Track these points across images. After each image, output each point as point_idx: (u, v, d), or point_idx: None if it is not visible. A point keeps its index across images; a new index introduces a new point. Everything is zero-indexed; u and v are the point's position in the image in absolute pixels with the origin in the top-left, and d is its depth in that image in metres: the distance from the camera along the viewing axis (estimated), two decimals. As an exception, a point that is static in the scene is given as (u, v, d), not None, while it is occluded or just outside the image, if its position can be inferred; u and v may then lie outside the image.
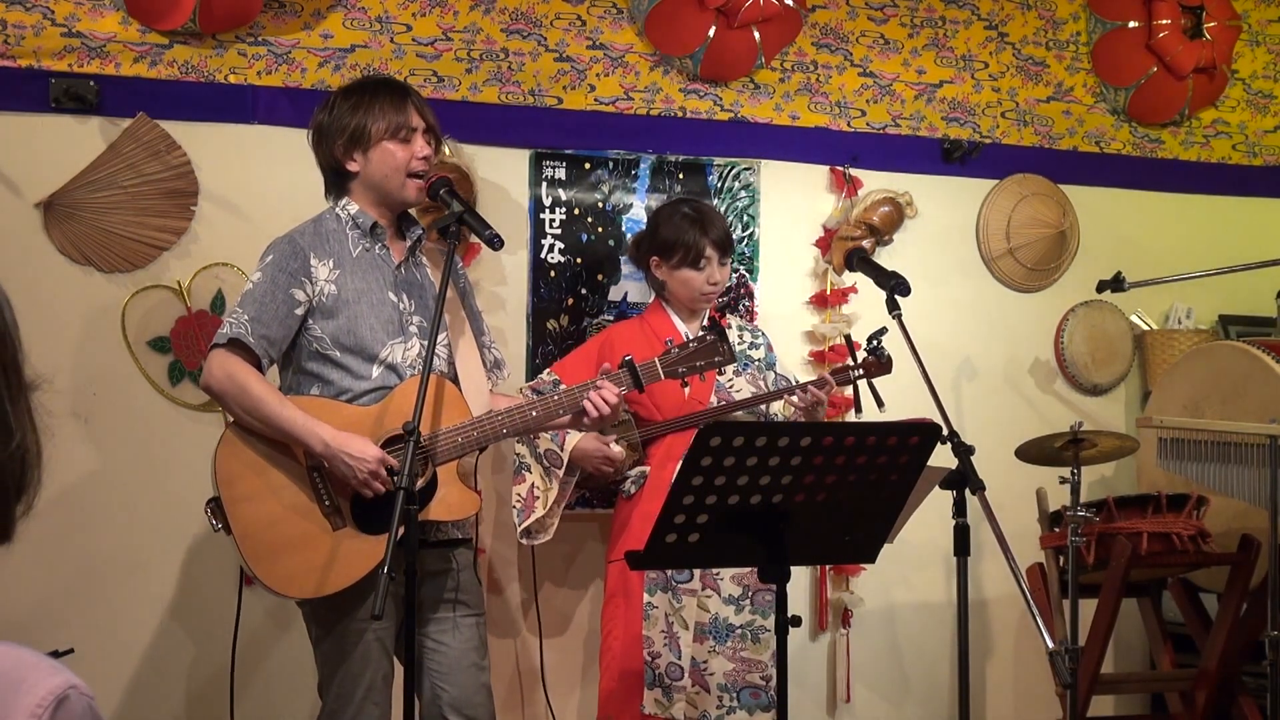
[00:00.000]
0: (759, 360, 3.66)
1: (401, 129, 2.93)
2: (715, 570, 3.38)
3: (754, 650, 3.40)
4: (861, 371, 3.55)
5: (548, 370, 3.61)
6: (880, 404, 3.55)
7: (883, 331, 3.52)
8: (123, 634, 3.55)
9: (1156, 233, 4.70)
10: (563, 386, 3.34)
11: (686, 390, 3.45)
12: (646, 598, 3.38)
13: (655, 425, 3.51)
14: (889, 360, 3.55)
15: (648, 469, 3.48)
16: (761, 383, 3.62)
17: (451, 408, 2.88)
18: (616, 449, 3.43)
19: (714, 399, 3.53)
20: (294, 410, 2.78)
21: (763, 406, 3.58)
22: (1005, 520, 2.93)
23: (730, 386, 3.56)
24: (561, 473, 3.41)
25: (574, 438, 3.40)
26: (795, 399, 3.50)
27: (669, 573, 3.37)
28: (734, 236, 3.90)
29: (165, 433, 3.59)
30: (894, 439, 2.54)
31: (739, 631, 3.40)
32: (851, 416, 3.91)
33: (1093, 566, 3.81)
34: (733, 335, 3.64)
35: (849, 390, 3.71)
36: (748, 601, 3.41)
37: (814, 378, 3.59)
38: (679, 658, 3.37)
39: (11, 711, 0.96)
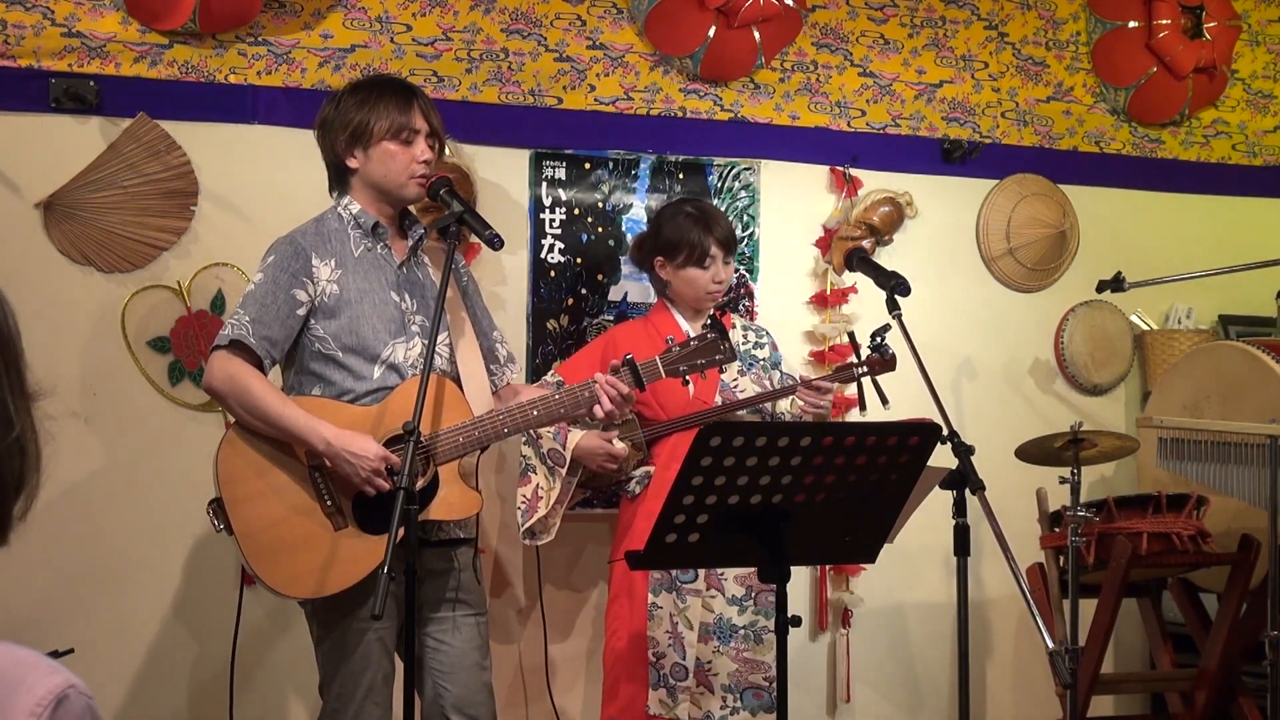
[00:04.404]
0: (764, 360, 3.66)
1: (404, 130, 2.93)
2: (720, 570, 3.38)
3: (757, 651, 3.40)
4: (866, 369, 3.54)
5: (551, 371, 3.61)
6: (885, 402, 3.54)
7: (886, 328, 3.50)
8: (123, 634, 3.55)
9: (1156, 233, 4.70)
10: (565, 386, 3.33)
11: (690, 389, 3.45)
12: (651, 598, 3.38)
13: (660, 425, 3.50)
14: (893, 357, 3.53)
15: (652, 469, 3.48)
16: (766, 383, 3.61)
17: (452, 407, 2.88)
18: (620, 445, 3.43)
19: (718, 399, 3.52)
20: (295, 410, 2.78)
21: (767, 406, 3.57)
22: (1005, 520, 2.93)
23: (735, 386, 3.56)
24: (564, 471, 3.41)
25: (576, 435, 3.40)
26: (802, 403, 3.49)
27: (674, 573, 3.37)
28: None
29: (165, 433, 3.59)
30: (894, 439, 2.54)
31: (742, 632, 3.40)
32: (855, 415, 3.91)
33: (1093, 566, 3.81)
34: (737, 335, 3.63)
35: (852, 388, 3.71)
36: (751, 602, 3.41)
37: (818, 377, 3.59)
38: (683, 658, 3.37)
39: (11, 711, 0.96)
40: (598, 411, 2.92)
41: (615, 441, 3.42)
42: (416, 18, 3.83)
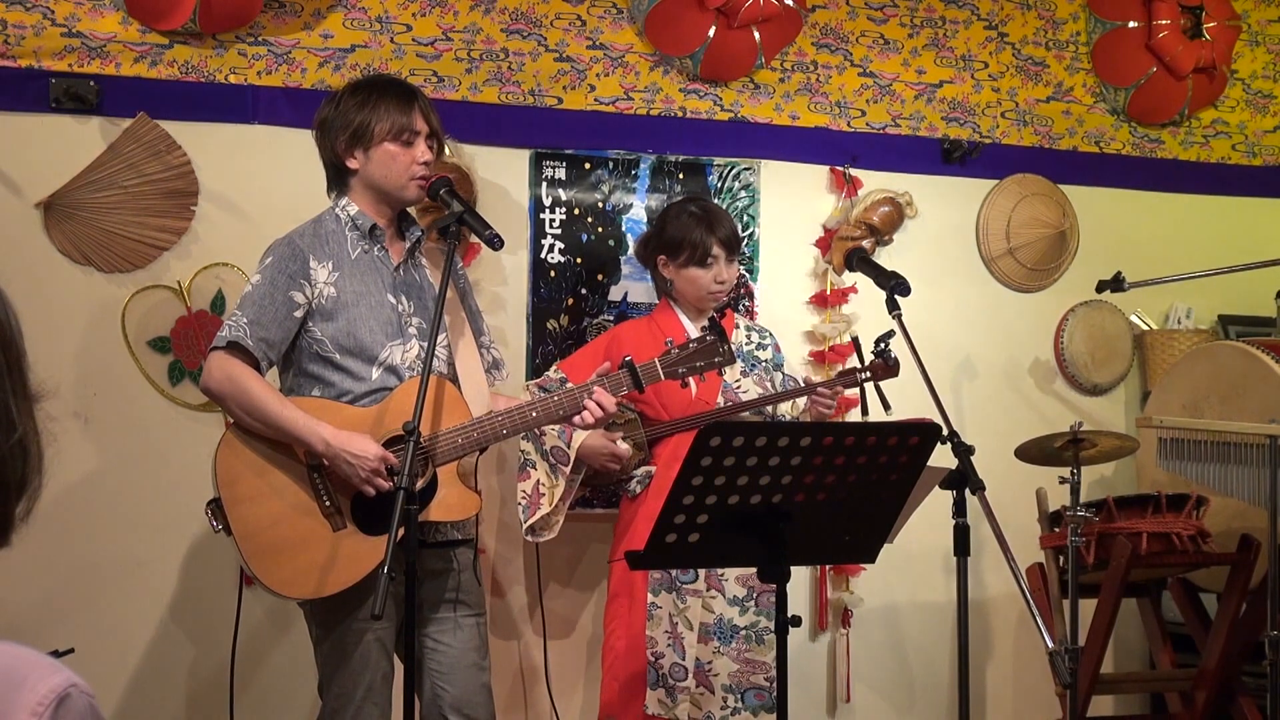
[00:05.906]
0: (766, 361, 3.66)
1: (405, 131, 2.93)
2: (720, 571, 3.38)
3: (758, 651, 3.40)
4: (869, 374, 3.55)
5: (554, 367, 3.62)
6: (887, 407, 3.55)
7: (890, 334, 3.51)
8: (123, 634, 3.55)
9: (1156, 233, 4.70)
10: (569, 385, 3.34)
11: (693, 390, 3.45)
12: (650, 598, 3.38)
13: (662, 425, 3.51)
14: (896, 363, 3.54)
15: (654, 469, 3.48)
16: (769, 384, 3.61)
17: (451, 408, 2.88)
18: (623, 446, 3.43)
19: (721, 399, 3.52)
20: (294, 410, 2.78)
21: (769, 407, 3.58)
22: (1005, 520, 2.93)
23: (737, 387, 3.56)
24: (568, 470, 3.41)
25: (580, 435, 3.40)
26: (805, 405, 3.50)
27: (673, 573, 3.37)
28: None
29: (165, 433, 3.59)
30: (894, 439, 2.54)
31: (743, 632, 3.40)
32: (855, 418, 3.91)
33: (1093, 566, 3.81)
34: (740, 336, 3.63)
35: (853, 389, 3.70)
36: (752, 603, 3.41)
37: (820, 379, 3.59)
38: (683, 658, 3.37)
39: (13, 709, 0.96)
40: (577, 420, 2.91)
41: (619, 442, 3.43)
42: (416, 18, 3.83)
